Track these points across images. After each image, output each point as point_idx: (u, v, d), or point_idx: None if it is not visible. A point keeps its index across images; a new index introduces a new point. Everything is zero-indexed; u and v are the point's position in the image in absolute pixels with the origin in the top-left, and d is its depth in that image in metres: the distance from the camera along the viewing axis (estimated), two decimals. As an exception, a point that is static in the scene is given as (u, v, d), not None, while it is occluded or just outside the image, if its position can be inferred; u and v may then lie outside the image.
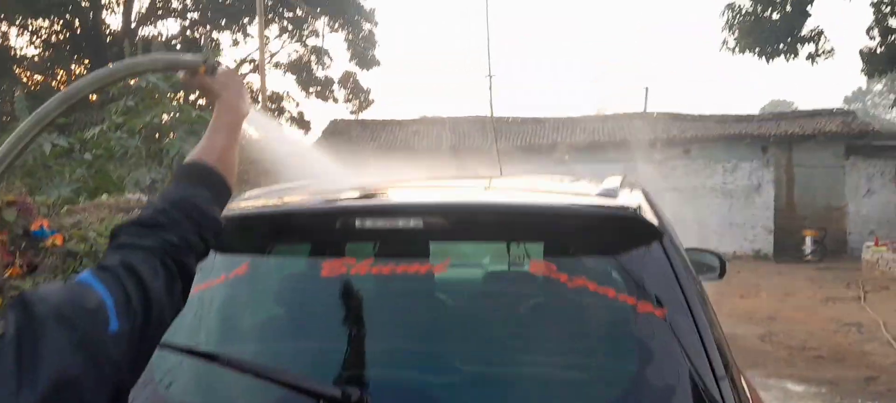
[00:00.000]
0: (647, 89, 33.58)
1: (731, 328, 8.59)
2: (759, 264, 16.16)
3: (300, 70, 23.88)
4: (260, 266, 1.74)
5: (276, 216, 1.77)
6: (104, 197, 6.34)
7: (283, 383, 1.38)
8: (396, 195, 1.82)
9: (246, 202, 2.05)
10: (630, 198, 1.78)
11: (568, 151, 20.61)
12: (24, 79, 19.05)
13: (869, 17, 15.72)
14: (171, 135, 8.15)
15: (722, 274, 3.73)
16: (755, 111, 29.74)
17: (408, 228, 1.60)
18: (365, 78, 25.13)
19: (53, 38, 19.86)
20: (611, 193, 1.77)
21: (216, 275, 1.75)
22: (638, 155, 20.01)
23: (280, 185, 2.29)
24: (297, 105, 24.80)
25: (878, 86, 48.16)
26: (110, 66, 1.34)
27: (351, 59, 23.26)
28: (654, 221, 1.65)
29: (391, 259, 1.64)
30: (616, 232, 1.60)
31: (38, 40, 19.69)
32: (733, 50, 16.37)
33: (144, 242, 1.03)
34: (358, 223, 1.62)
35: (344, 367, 1.49)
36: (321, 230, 1.70)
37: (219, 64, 1.34)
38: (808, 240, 17.38)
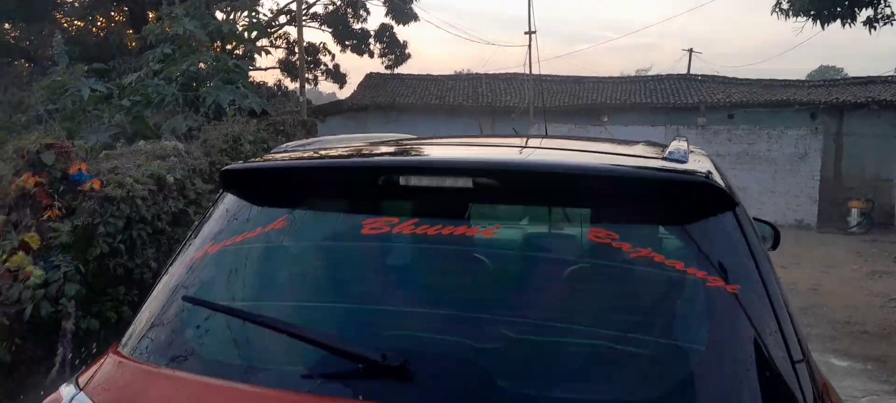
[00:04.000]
0: (690, 51, 32.71)
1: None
2: (802, 234, 15.71)
3: (336, 22, 23.60)
4: (298, 220, 1.63)
5: (317, 169, 1.66)
6: (141, 143, 6.33)
7: (320, 344, 1.29)
8: (444, 153, 1.69)
9: (284, 154, 1.94)
10: (700, 164, 1.63)
11: (608, 112, 20.17)
12: (65, 24, 19.19)
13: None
14: (208, 83, 8.09)
15: (775, 245, 3.55)
16: (802, 77, 28.67)
17: (455, 188, 1.48)
18: (401, 32, 24.67)
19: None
20: (679, 158, 1.62)
21: (252, 229, 1.66)
22: (679, 118, 19.50)
23: (319, 138, 2.19)
24: (333, 58, 24.63)
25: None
26: None
27: (387, 14, 22.91)
28: (727, 189, 1.50)
29: (436, 219, 1.52)
30: (685, 200, 1.46)
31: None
32: (787, 13, 15.66)
33: None
34: (402, 180, 1.51)
35: (383, 329, 1.39)
36: (363, 186, 1.59)
37: None
38: (854, 212, 16.85)
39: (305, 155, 1.78)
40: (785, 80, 20.83)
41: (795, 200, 17.57)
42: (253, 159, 1.89)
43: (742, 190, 17.16)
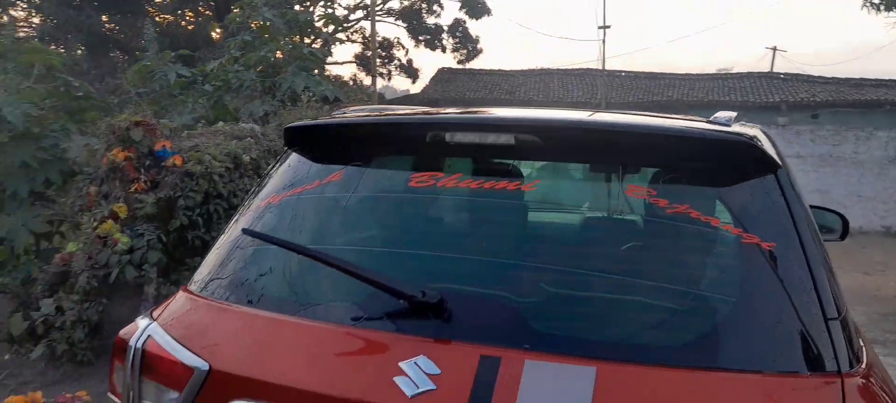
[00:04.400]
0: (774, 49, 31.38)
1: (849, 305, 7.99)
2: (889, 241, 14.88)
3: (410, 17, 23.92)
4: (352, 174, 1.75)
5: (370, 126, 1.77)
6: (220, 124, 6.67)
7: (367, 280, 1.39)
8: (490, 113, 1.77)
9: (343, 115, 2.06)
10: (745, 129, 1.65)
11: (683, 110, 19.64)
12: (156, 18, 20.26)
13: None
14: (285, 70, 8.42)
15: (844, 235, 3.44)
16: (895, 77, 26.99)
17: (498, 144, 1.55)
18: (474, 26, 24.74)
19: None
20: (723, 123, 1.64)
21: (310, 182, 1.78)
22: (759, 117, 18.78)
23: (378, 105, 2.30)
24: (407, 53, 24.97)
25: None
26: None
27: (461, 8, 23.02)
28: (771, 152, 1.52)
29: (481, 175, 1.60)
30: (728, 161, 1.48)
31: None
32: (878, 7, 14.85)
33: None
34: (448, 137, 1.59)
35: (425, 273, 1.48)
36: (412, 142, 1.68)
37: None
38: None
39: (361, 115, 1.89)
40: (876, 80, 19.70)
41: (883, 205, 16.65)
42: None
43: (824, 193, 16.40)
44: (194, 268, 1.74)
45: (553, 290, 1.42)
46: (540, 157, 1.58)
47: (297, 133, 1.84)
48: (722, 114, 1.75)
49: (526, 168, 1.61)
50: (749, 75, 22.04)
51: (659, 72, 22.82)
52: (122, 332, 1.71)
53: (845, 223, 3.44)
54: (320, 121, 1.84)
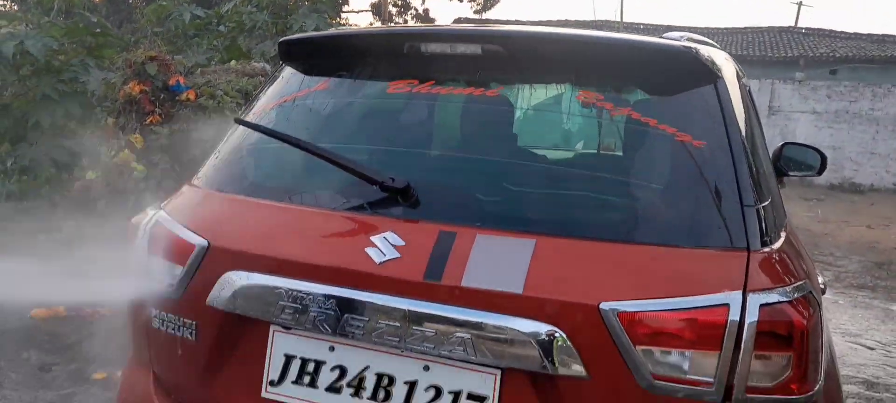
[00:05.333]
0: (799, 3, 30.77)
1: (846, 254, 8.15)
2: (899, 199, 14.88)
3: (427, -35, 23.73)
4: (337, 82, 1.94)
5: (355, 37, 1.95)
6: (232, 62, 6.87)
7: (345, 167, 1.60)
8: (461, 27, 1.94)
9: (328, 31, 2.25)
10: (693, 45, 1.81)
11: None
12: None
13: None
14: (297, 12, 8.56)
15: (821, 170, 3.61)
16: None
17: (467, 54, 1.73)
18: (492, -24, 24.49)
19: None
20: (672, 38, 1.80)
21: (300, 90, 1.98)
22: (775, 72, 18.61)
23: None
24: (423, 2, 24.85)
25: None
26: None
27: (479, -44, 22.80)
28: (710, 64, 1.68)
29: (450, 82, 1.79)
30: (671, 70, 1.66)
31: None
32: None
33: None
34: (423, 47, 1.77)
35: (397, 164, 1.69)
36: (392, 53, 1.87)
37: None
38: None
39: (348, 30, 2.08)
40: (899, 36, 19.39)
41: (896, 163, 16.57)
42: None
43: (837, 149, 16.35)
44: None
45: (504, 178, 1.62)
46: (504, 66, 1.76)
47: (291, 46, 2.03)
48: (674, 34, 1.91)
49: (491, 76, 1.79)
50: (769, 30, 21.77)
51: (677, 24, 22.57)
52: (134, 219, 1.94)
53: (823, 159, 3.61)
54: (310, 34, 2.03)
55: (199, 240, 1.69)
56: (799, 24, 25.69)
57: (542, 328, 1.37)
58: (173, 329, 1.73)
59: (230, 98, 5.61)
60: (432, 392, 1.49)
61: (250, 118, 1.99)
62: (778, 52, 19.45)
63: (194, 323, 1.69)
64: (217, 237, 1.69)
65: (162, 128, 5.34)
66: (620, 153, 1.64)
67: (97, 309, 4.38)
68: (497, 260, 1.45)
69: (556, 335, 1.36)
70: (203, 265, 1.68)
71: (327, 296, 1.51)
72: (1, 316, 4.48)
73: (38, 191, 6.02)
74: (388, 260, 1.50)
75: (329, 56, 1.99)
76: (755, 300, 1.32)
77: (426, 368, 1.49)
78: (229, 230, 1.72)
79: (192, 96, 5.52)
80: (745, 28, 23.32)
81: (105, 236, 4.54)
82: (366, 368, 1.54)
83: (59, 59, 6.19)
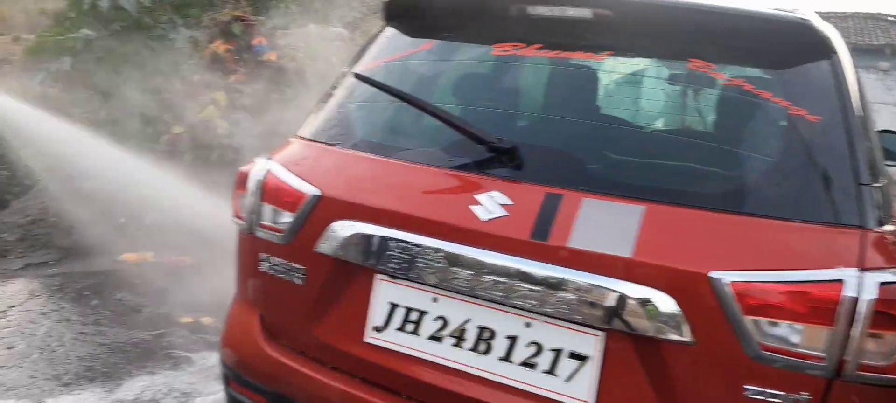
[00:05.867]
0: (888, -12, 29.03)
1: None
2: None
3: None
4: (441, 44, 1.98)
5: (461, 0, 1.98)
6: (311, 26, 6.99)
7: (454, 126, 1.64)
8: None
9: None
10: (806, 13, 1.77)
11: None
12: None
13: None
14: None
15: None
16: None
17: (576, 18, 1.74)
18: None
19: None
20: (787, 9, 1.77)
21: (404, 50, 2.03)
22: (859, 61, 17.68)
23: None
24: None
25: None
26: None
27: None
28: (827, 37, 1.64)
29: (558, 46, 1.80)
30: (786, 42, 1.63)
31: None
32: None
33: None
34: (531, 10, 1.79)
35: (504, 126, 1.72)
36: (498, 15, 1.89)
37: None
38: None
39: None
40: None
41: None
42: None
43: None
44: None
45: (610, 144, 1.64)
46: (614, 32, 1.76)
47: (397, 7, 2.08)
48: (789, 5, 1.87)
49: (599, 41, 1.79)
50: (854, 15, 20.70)
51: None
52: (243, 167, 2.03)
53: (920, 149, 3.46)
54: (417, -3, 2.07)
55: (311, 189, 1.77)
56: (886, 11, 24.31)
57: (651, 293, 1.39)
58: (282, 273, 1.82)
59: (310, 62, 5.73)
60: (533, 349, 1.53)
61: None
62: (862, 39, 18.48)
63: (303, 268, 1.78)
64: (328, 187, 1.77)
65: (245, 86, 5.51)
66: (732, 124, 1.63)
67: (182, 257, 4.60)
68: (604, 223, 1.48)
69: (666, 300, 1.38)
70: (314, 213, 1.76)
71: (435, 249, 1.57)
72: (96, 259, 4.78)
73: (128, 143, 6.30)
74: (494, 218, 1.54)
75: (434, 17, 2.03)
76: (873, 278, 1.31)
77: (528, 325, 1.54)
78: (339, 181, 1.79)
79: (273, 57, 5.66)
80: (829, 13, 22.20)
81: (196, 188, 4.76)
82: (467, 321, 1.59)
83: (149, 16, 6.43)
